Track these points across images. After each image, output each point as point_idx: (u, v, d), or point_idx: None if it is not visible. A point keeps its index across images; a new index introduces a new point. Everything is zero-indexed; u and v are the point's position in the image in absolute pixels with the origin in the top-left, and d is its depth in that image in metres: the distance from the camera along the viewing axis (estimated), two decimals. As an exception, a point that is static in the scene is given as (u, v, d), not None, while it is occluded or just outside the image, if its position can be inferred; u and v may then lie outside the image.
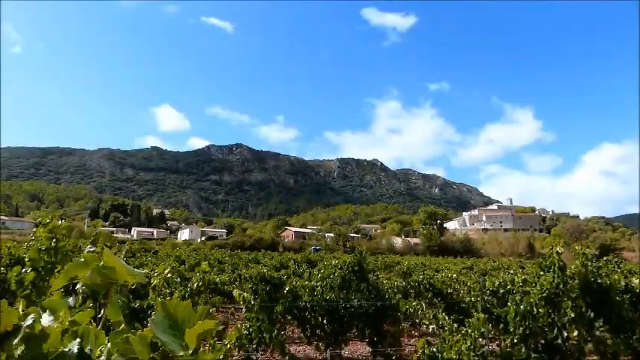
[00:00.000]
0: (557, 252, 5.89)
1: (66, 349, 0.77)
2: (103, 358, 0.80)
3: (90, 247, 1.70)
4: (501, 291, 7.15)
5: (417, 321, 11.16)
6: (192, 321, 0.84)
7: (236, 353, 7.80)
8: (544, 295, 5.44)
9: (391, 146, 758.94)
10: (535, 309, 5.39)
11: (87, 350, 0.78)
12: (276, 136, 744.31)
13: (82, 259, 0.90)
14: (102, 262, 0.90)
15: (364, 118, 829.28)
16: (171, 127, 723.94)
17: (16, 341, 0.75)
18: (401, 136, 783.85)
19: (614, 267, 6.96)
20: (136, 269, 0.92)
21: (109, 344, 0.81)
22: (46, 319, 0.88)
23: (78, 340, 0.79)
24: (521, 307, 5.43)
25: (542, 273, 5.89)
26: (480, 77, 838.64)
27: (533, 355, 5.19)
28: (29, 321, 0.79)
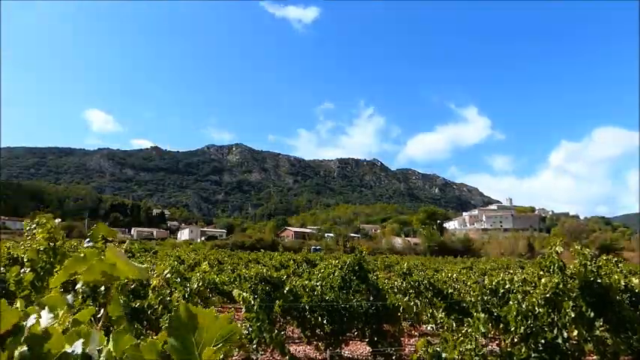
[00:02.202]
0: (557, 252, 5.89)
1: (69, 350, 0.76)
2: (103, 357, 0.79)
3: (88, 242, 1.69)
4: (501, 291, 7.15)
5: (417, 321, 11.17)
6: (213, 330, 0.80)
7: (236, 353, 7.80)
8: (546, 295, 5.44)
9: (341, 146, 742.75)
10: (537, 309, 5.39)
11: (89, 351, 0.77)
12: (218, 138, 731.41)
13: (82, 255, 0.89)
14: (102, 258, 0.89)
15: (308, 119, 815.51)
16: (107, 129, 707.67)
17: (18, 341, 0.74)
18: (347, 137, 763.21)
19: (613, 266, 6.95)
20: (135, 263, 0.90)
21: (111, 344, 0.80)
22: (45, 317, 0.87)
23: (81, 340, 0.78)
24: (523, 306, 5.43)
25: (542, 273, 5.90)
26: (418, 75, 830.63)
27: (533, 355, 5.19)
28: (32, 321, 0.78)
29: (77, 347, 0.76)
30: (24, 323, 0.77)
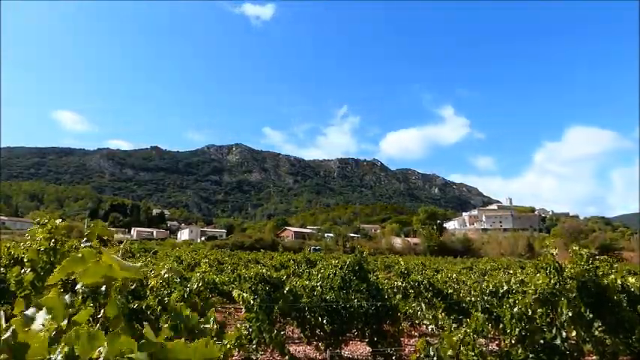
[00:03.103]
0: (552, 253, 5.90)
1: (52, 358, 0.75)
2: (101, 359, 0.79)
3: (85, 242, 1.69)
4: (501, 291, 7.16)
5: (417, 321, 11.17)
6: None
7: (236, 353, 7.81)
8: (538, 296, 5.45)
9: (319, 146, 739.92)
10: (530, 310, 5.40)
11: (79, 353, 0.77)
12: (199, 140, 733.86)
13: (80, 255, 0.90)
14: (100, 259, 0.90)
15: (281, 118, 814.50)
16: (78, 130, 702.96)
17: None
18: (324, 137, 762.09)
19: (607, 267, 6.96)
20: (130, 264, 0.91)
21: (107, 346, 0.80)
22: (41, 318, 0.88)
23: (65, 348, 0.77)
24: (515, 309, 5.45)
25: (538, 275, 5.91)
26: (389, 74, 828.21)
27: (531, 356, 5.20)
28: (9, 333, 0.77)
29: (58, 356, 0.76)
30: (3, 335, 0.77)
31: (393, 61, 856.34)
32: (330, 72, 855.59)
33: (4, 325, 0.79)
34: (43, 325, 0.85)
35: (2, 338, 0.76)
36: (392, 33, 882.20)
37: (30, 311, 0.89)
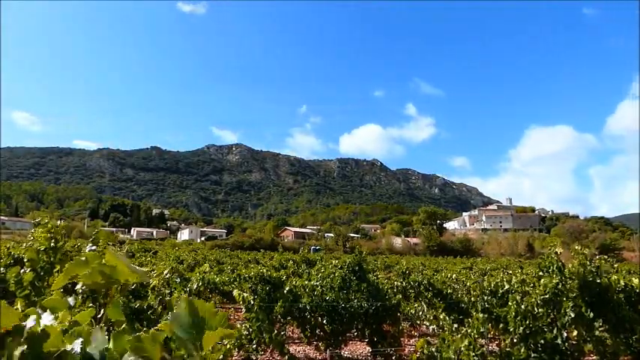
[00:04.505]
0: (556, 252, 5.89)
1: (67, 348, 0.77)
2: (103, 356, 0.80)
3: (91, 246, 1.69)
4: (501, 291, 7.15)
5: (417, 321, 11.17)
6: (212, 324, 0.83)
7: (236, 353, 7.80)
8: (546, 296, 5.44)
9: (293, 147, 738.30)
10: (536, 309, 5.40)
11: (89, 350, 0.78)
12: (177, 141, 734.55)
13: (83, 258, 0.90)
14: (103, 261, 0.90)
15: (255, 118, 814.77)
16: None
17: (18, 341, 0.75)
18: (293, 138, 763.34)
19: (610, 267, 6.96)
20: (137, 267, 0.91)
21: (112, 344, 0.81)
22: (46, 319, 0.88)
23: (80, 339, 0.79)
24: (522, 306, 5.44)
25: (541, 274, 5.90)
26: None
27: (532, 355, 5.20)
28: (31, 322, 0.78)
29: (76, 346, 0.78)
30: (24, 324, 0.78)
31: (351, 60, 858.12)
32: (288, 71, 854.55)
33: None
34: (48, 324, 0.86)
35: (25, 328, 0.76)
36: (350, 31, 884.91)
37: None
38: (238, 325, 8.10)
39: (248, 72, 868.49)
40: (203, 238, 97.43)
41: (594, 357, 6.28)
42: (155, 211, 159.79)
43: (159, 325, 0.83)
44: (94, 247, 1.81)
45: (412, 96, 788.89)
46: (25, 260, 4.32)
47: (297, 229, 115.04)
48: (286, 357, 7.57)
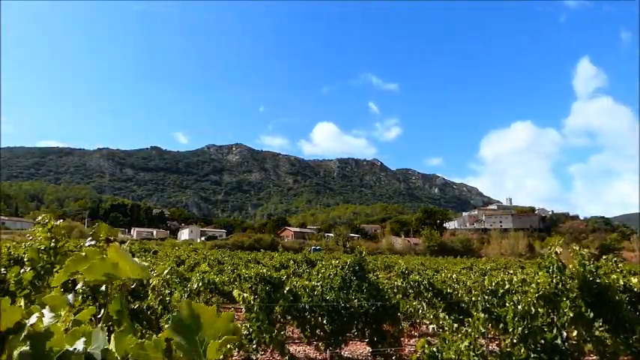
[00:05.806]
0: (556, 252, 5.89)
1: (70, 348, 0.76)
2: (106, 356, 0.80)
3: (90, 241, 1.68)
4: (501, 291, 7.16)
5: (417, 321, 11.17)
6: (216, 327, 0.82)
7: (236, 353, 7.80)
8: (540, 294, 5.44)
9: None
10: (533, 309, 5.40)
11: (91, 350, 0.78)
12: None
13: (83, 254, 0.90)
14: (104, 257, 0.90)
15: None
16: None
17: (19, 339, 0.75)
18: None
19: (613, 266, 6.95)
20: (138, 262, 0.91)
21: (113, 343, 0.81)
22: (46, 317, 0.88)
23: (83, 339, 0.78)
24: (519, 307, 5.44)
25: (541, 273, 5.90)
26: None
27: (532, 355, 5.20)
28: (33, 319, 0.78)
29: (79, 345, 0.77)
30: (25, 322, 0.77)
31: (306, 60, 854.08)
32: (241, 69, 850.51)
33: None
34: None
35: (27, 325, 0.76)
36: (307, 30, 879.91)
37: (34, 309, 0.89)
38: (238, 325, 8.09)
39: (248, 72, 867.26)
40: (203, 238, 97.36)
41: (594, 357, 6.28)
42: (155, 211, 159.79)
43: (160, 334, 0.82)
44: (92, 242, 1.80)
45: (373, 94, 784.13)
46: (26, 260, 4.32)
47: (297, 229, 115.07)
48: (286, 357, 7.57)
